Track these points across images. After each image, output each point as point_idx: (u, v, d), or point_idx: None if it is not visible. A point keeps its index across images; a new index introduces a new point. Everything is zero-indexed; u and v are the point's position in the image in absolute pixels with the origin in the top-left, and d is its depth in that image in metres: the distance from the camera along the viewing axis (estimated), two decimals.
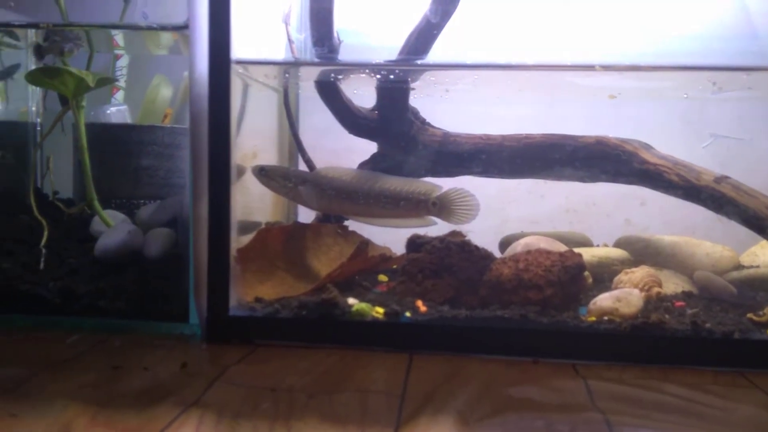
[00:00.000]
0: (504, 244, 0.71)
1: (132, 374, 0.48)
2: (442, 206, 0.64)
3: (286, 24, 0.68)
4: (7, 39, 0.67)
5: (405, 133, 0.69)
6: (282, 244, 0.64)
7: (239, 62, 0.57)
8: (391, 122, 0.69)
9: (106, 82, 0.64)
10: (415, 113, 0.71)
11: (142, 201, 0.75)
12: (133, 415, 0.41)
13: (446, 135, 0.70)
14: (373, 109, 0.70)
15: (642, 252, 0.69)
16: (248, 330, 0.57)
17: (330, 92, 0.67)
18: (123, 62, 0.82)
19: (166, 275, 0.62)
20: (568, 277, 0.58)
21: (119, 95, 0.81)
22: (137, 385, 0.46)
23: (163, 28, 0.61)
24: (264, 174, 0.63)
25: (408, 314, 0.56)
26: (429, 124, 0.71)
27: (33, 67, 0.72)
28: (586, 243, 0.72)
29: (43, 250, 0.63)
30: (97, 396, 0.44)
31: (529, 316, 0.55)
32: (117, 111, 0.76)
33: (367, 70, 0.67)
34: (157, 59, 0.84)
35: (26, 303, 0.60)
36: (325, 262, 0.65)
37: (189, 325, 0.59)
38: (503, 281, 0.58)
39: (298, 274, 0.64)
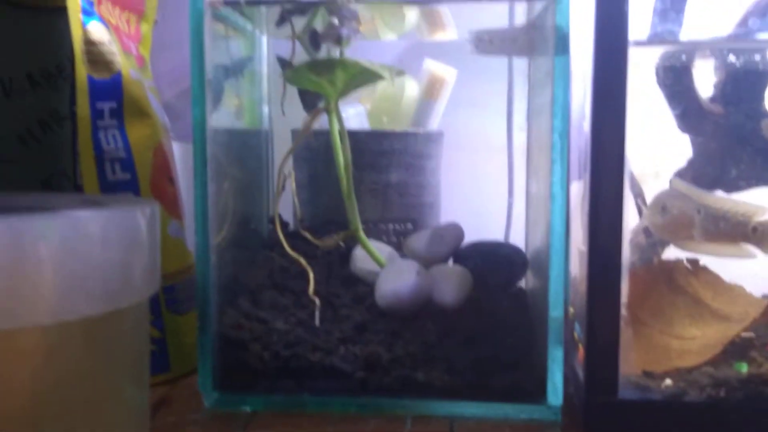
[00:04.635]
0: None
1: None
2: (764, 233, 0.48)
3: None
4: (239, 20, 0.51)
5: (753, 131, 0.53)
6: (645, 290, 0.47)
7: (637, 43, 0.41)
8: (739, 117, 0.53)
9: (401, 74, 0.47)
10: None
11: (392, 225, 0.59)
12: None
13: None
14: (712, 100, 0.54)
15: None
16: (644, 420, 0.41)
17: (677, 78, 0.51)
18: None
19: (494, 332, 0.46)
20: None
21: None
22: None
23: None
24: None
25: None
26: None
27: (266, 57, 0.56)
28: None
29: (316, 301, 0.47)
30: None
31: None
32: (355, 114, 0.60)
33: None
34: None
35: (317, 378, 0.44)
36: (685, 310, 0.49)
37: (546, 408, 0.43)
38: None
39: (664, 330, 0.47)
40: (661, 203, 0.48)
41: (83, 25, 0.45)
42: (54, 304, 0.30)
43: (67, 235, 0.30)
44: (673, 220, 0.49)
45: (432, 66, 0.62)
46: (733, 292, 0.48)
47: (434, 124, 0.63)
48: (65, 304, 0.30)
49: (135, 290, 0.34)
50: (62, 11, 0.45)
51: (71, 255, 0.30)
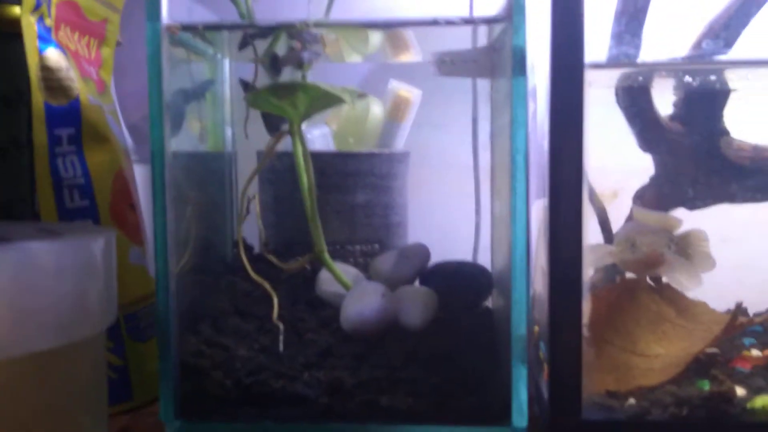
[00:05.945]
0: None
1: None
2: (679, 248, 0.49)
3: None
4: (199, 44, 0.50)
5: (712, 149, 0.54)
6: (608, 308, 0.47)
7: (595, 65, 0.41)
8: (698, 135, 0.54)
9: (362, 96, 0.47)
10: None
11: (359, 246, 0.59)
12: None
13: (757, 150, 0.55)
14: (672, 119, 0.54)
15: None
16: None
17: (636, 99, 0.52)
18: None
19: (459, 353, 0.46)
20: None
21: None
22: None
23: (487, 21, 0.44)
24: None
25: None
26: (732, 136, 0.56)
27: (229, 80, 0.56)
28: None
29: (280, 326, 0.47)
30: None
31: None
32: (321, 135, 0.60)
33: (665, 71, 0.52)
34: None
35: (281, 406, 0.44)
36: (648, 328, 0.49)
37: (510, 430, 0.43)
38: None
39: (628, 349, 0.47)
40: (631, 240, 0.49)
41: (39, 52, 0.44)
42: (4, 339, 0.29)
43: (19, 267, 0.30)
44: (643, 257, 0.49)
45: (397, 87, 0.62)
46: (697, 308, 0.49)
47: (400, 144, 0.63)
48: (16, 338, 0.30)
49: (90, 322, 0.33)
50: (19, 36, 0.44)
51: (23, 288, 0.30)
